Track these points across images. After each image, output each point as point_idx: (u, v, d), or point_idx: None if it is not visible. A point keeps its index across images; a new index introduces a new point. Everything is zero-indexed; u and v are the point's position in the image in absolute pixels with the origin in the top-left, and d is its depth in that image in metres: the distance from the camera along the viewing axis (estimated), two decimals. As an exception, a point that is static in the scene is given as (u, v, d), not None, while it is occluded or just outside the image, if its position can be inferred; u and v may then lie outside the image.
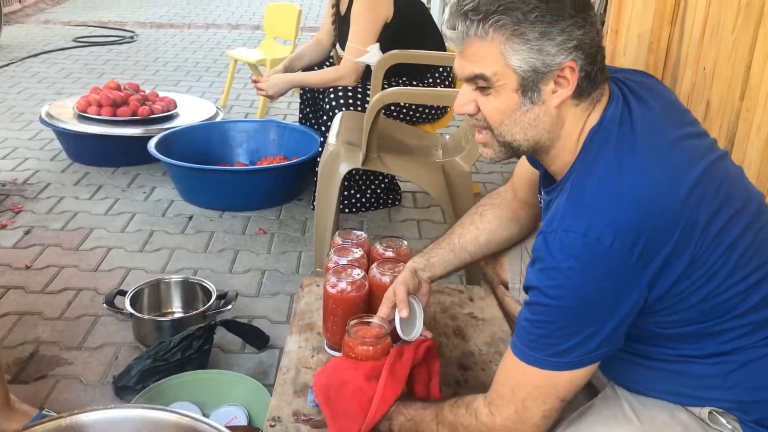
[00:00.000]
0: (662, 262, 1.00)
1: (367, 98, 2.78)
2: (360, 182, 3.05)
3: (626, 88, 1.12)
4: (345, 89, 2.81)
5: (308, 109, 3.35)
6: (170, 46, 6.26)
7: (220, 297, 2.21)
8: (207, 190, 3.12)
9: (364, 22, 2.78)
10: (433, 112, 2.95)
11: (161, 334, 2.06)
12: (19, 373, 2.00)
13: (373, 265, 1.71)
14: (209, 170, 3.09)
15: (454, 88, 2.89)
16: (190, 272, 2.53)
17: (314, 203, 2.72)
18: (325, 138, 2.66)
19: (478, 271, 2.40)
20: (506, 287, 1.69)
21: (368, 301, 1.58)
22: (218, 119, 3.73)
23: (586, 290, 1.01)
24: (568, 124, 1.08)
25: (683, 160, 1.05)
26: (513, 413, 1.11)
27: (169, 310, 2.31)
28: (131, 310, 2.11)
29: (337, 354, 1.64)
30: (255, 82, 3.12)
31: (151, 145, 3.18)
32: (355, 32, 2.79)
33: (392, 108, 2.85)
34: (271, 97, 3.07)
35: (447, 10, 1.07)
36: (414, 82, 2.86)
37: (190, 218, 3.02)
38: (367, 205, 3.10)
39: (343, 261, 1.72)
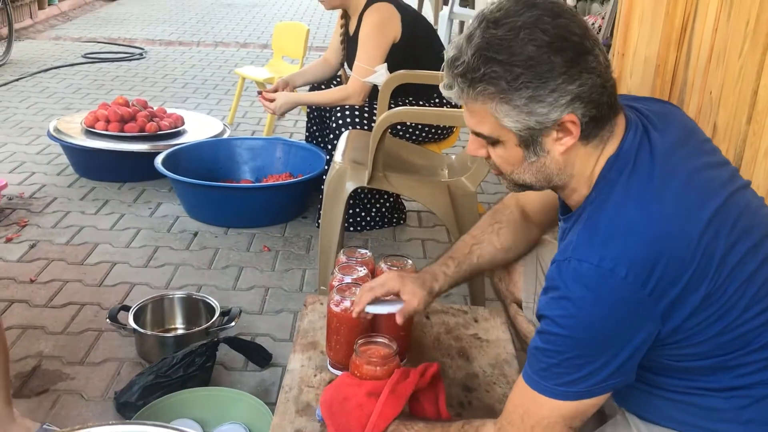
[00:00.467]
0: (677, 296, 1.00)
1: (374, 117, 2.79)
2: (365, 201, 3.05)
3: (645, 118, 1.12)
4: (352, 108, 2.82)
5: (315, 128, 3.36)
6: (179, 64, 6.31)
7: (223, 314, 2.21)
8: (212, 206, 3.13)
9: (373, 43, 2.80)
10: (439, 132, 2.96)
11: (164, 350, 2.05)
12: (22, 387, 1.99)
13: (378, 284, 1.70)
14: (215, 187, 3.10)
15: (460, 108, 2.90)
16: (194, 288, 2.53)
17: (319, 221, 2.73)
18: (331, 156, 2.66)
19: (482, 291, 2.40)
20: (519, 306, 1.68)
21: (372, 320, 1.57)
22: (225, 136, 3.75)
23: (598, 321, 1.00)
24: (579, 163, 1.08)
25: (701, 191, 1.05)
26: None
27: (173, 326, 2.30)
28: (134, 326, 2.11)
29: (339, 373, 1.63)
30: (261, 93, 3.14)
31: (158, 161, 3.20)
32: (363, 52, 2.81)
33: (398, 127, 2.86)
34: (278, 115, 3.09)
35: (444, 67, 1.08)
36: (420, 102, 2.87)
37: (195, 234, 3.03)
38: (372, 223, 3.10)
39: (348, 279, 1.72)
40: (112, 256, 2.81)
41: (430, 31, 3.04)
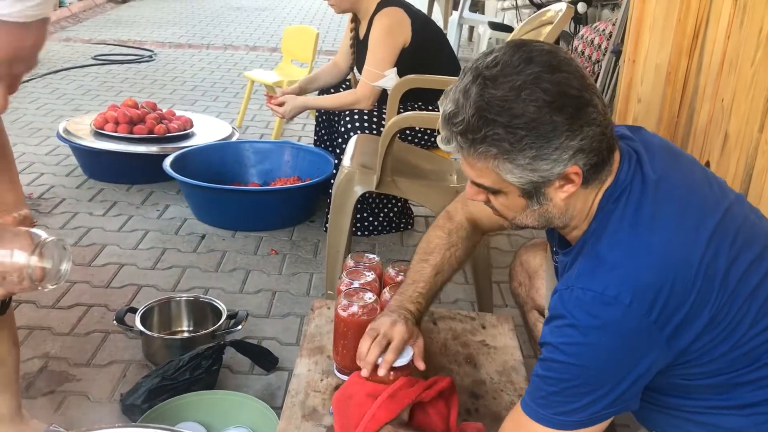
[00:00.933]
0: (681, 320, 0.99)
1: (383, 122, 2.79)
2: (373, 205, 3.05)
3: (635, 145, 1.12)
4: (361, 113, 2.82)
5: (323, 132, 3.36)
6: (188, 66, 6.32)
7: (230, 317, 2.21)
8: (220, 209, 3.13)
9: (383, 47, 2.79)
10: (448, 137, 2.95)
11: (170, 352, 2.05)
12: (28, 388, 1.99)
13: (385, 289, 1.70)
14: (223, 190, 3.10)
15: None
16: (201, 291, 2.53)
17: (327, 225, 2.72)
18: (340, 160, 2.66)
19: (489, 297, 2.39)
20: (541, 313, 1.67)
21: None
22: (233, 139, 3.76)
23: (602, 349, 0.99)
24: (580, 204, 1.08)
25: (698, 211, 1.05)
26: None
27: (179, 329, 2.30)
28: (141, 328, 2.11)
29: (345, 378, 1.63)
30: (269, 97, 3.15)
31: (166, 163, 3.20)
32: (372, 56, 2.81)
33: (407, 132, 2.85)
34: (287, 118, 3.09)
35: (440, 121, 1.06)
36: (430, 107, 2.86)
37: (203, 237, 3.03)
38: (380, 228, 3.10)
39: (356, 284, 1.71)
40: (120, 257, 2.81)
41: (439, 36, 3.04)
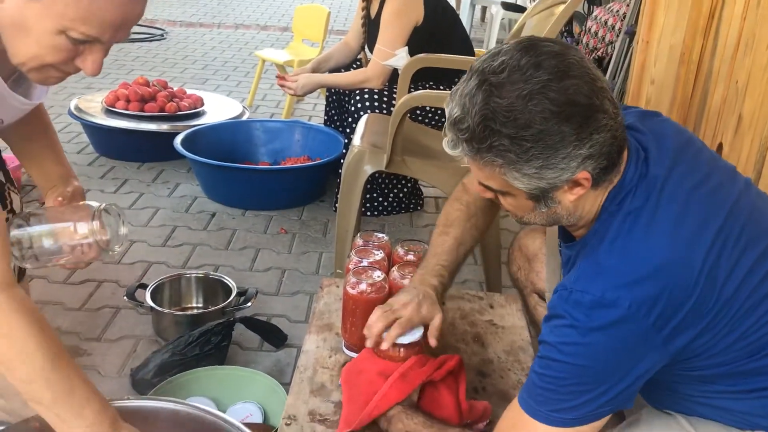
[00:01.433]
0: (680, 322, 0.99)
1: (393, 101, 2.78)
2: (383, 185, 3.04)
3: (644, 140, 1.10)
4: (371, 92, 2.81)
5: (333, 111, 3.36)
6: (199, 45, 6.31)
7: (240, 294, 2.22)
8: (230, 188, 3.14)
9: (394, 26, 2.78)
10: (459, 117, 2.94)
11: (180, 328, 2.06)
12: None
13: (394, 268, 1.70)
14: (233, 168, 3.10)
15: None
16: (210, 268, 2.54)
17: (336, 205, 2.72)
18: (350, 140, 2.66)
19: (498, 277, 2.39)
20: (541, 296, 1.67)
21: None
22: (244, 118, 3.75)
23: (600, 350, 1.00)
24: (590, 204, 1.07)
25: (702, 211, 1.03)
26: None
27: (189, 305, 2.32)
28: (151, 304, 2.13)
29: (354, 355, 1.64)
30: (280, 78, 3.14)
31: (177, 141, 3.21)
32: (384, 35, 2.80)
33: (418, 111, 2.84)
34: (298, 96, 3.09)
35: (446, 124, 1.05)
36: (441, 87, 2.85)
37: (213, 215, 3.04)
38: (389, 208, 3.10)
39: (364, 262, 1.72)
40: (131, 234, 2.83)
41: (452, 15, 3.01)
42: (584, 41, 3.63)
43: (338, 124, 3.34)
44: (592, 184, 1.02)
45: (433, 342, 1.41)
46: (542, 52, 0.97)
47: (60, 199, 1.39)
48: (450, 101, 1.03)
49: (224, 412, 1.76)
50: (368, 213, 3.05)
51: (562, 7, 2.43)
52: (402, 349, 1.41)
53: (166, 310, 2.16)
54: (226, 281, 2.28)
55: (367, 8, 3.04)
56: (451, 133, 1.03)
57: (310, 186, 3.22)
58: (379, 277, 1.65)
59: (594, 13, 3.77)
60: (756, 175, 1.75)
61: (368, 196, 3.02)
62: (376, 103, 2.79)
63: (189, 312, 2.25)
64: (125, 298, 2.19)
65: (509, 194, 1.06)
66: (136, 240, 2.78)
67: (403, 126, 2.20)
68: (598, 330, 0.98)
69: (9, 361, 1.00)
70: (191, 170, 3.37)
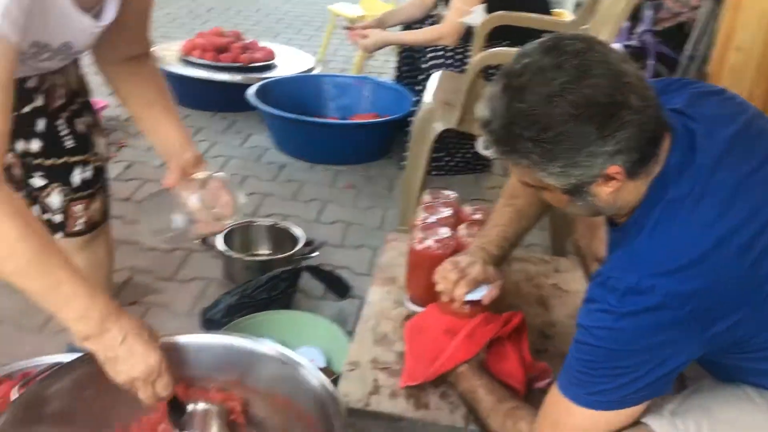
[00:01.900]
0: (719, 312, 0.97)
1: (467, 59, 2.74)
2: (450, 145, 3.03)
3: (693, 126, 1.06)
4: (444, 49, 2.78)
5: (405, 68, 3.34)
6: (272, -2, 6.34)
7: (306, 243, 2.27)
8: (300, 140, 3.18)
9: None
10: (533, 78, 2.88)
11: (249, 273, 2.12)
12: (115, 297, 2.11)
13: (462, 226, 1.71)
14: (304, 121, 3.14)
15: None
16: (279, 218, 2.59)
17: (403, 162, 2.73)
18: (420, 98, 2.65)
19: (563, 243, 2.36)
20: (602, 264, 1.65)
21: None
22: (314, 72, 3.77)
23: (632, 336, 0.99)
24: (630, 195, 1.06)
25: (752, 201, 1.00)
26: None
27: (258, 252, 2.38)
28: (223, 248, 2.19)
29: (417, 309, 1.66)
30: (351, 30, 3.13)
31: (250, 92, 3.26)
32: None
33: (491, 71, 2.80)
34: (369, 52, 3.08)
35: (479, 126, 1.07)
36: (518, 46, 2.79)
37: (283, 167, 3.09)
38: (456, 168, 3.09)
39: (432, 219, 1.73)
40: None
41: (532, -27, 2.93)
42: (667, 5, 3.50)
43: (410, 80, 3.32)
44: (627, 176, 1.01)
45: (487, 301, 1.42)
46: (564, 52, 0.98)
47: (181, 169, 1.41)
48: (480, 103, 1.05)
49: (289, 355, 1.82)
50: (434, 172, 3.04)
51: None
52: (468, 307, 1.43)
53: (237, 255, 2.23)
54: (293, 230, 2.33)
55: None
56: (484, 134, 1.05)
57: (378, 142, 3.23)
58: (445, 233, 1.65)
59: (680, -24, 3.61)
60: None
61: (435, 155, 3.01)
62: (449, 61, 2.77)
63: (258, 258, 2.31)
64: (197, 241, 2.26)
65: (546, 189, 1.08)
66: (208, 187, 2.86)
67: (476, 84, 2.18)
68: (631, 315, 0.98)
69: None
70: (263, 122, 3.42)
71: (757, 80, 2.23)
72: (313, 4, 6.16)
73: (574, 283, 1.79)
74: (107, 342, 1.06)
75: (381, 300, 1.72)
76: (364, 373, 1.45)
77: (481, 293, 1.41)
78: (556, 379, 1.11)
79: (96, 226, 1.62)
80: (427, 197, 1.86)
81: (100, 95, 3.61)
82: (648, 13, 3.46)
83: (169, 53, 3.72)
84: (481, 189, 3.01)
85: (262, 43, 3.95)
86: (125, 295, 2.15)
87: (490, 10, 2.70)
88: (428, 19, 3.17)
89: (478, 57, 2.20)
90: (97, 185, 1.58)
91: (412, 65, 3.28)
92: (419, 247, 1.64)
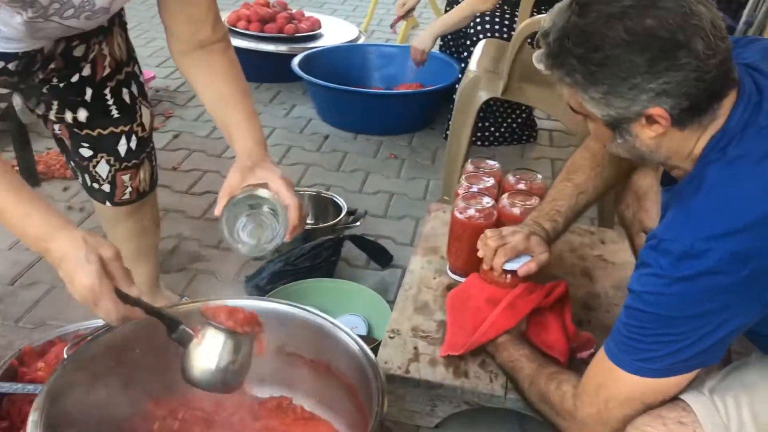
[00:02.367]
0: None
1: (514, 26, 2.68)
2: (496, 114, 2.99)
3: (763, 79, 1.01)
4: (492, 15, 2.73)
5: (450, 36, 3.28)
6: (318, -32, 6.30)
7: (349, 213, 2.28)
8: (343, 110, 3.18)
9: None
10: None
11: (293, 241, 2.11)
12: (163, 263, 2.16)
13: (504, 195, 1.69)
14: (347, 91, 3.13)
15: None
16: (322, 188, 2.60)
17: (447, 133, 2.71)
18: (465, 68, 2.61)
19: (612, 213, 2.32)
20: None
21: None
22: (359, 42, 3.75)
23: (685, 302, 0.96)
24: (675, 146, 1.02)
25: None
26: (595, 413, 1.09)
27: (301, 221, 2.40)
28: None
29: (458, 278, 1.66)
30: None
31: (295, 62, 3.26)
32: None
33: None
34: (422, 61, 3.09)
35: (538, 35, 1.06)
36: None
37: (326, 137, 3.10)
38: (501, 139, 3.04)
39: (474, 188, 1.72)
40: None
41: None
42: (725, -31, 3.36)
43: (454, 49, 3.28)
44: (673, 124, 0.98)
45: (522, 272, 1.41)
46: None
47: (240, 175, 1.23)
48: (547, 14, 1.04)
49: (331, 322, 1.84)
50: (479, 143, 3.01)
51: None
52: (509, 276, 1.42)
53: (280, 224, 2.25)
54: (337, 200, 2.34)
55: None
56: (541, 44, 1.04)
57: (421, 112, 3.21)
58: (488, 203, 1.65)
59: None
60: None
61: (480, 125, 2.98)
62: (496, 27, 2.71)
63: (301, 227, 2.33)
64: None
65: (589, 118, 1.06)
66: (253, 157, 2.88)
67: (522, 51, 2.14)
68: (685, 281, 0.95)
69: None
70: (306, 92, 3.43)
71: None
72: (358, -26, 6.10)
73: (620, 254, 1.76)
74: (52, 263, 1.04)
75: (422, 269, 1.72)
76: (405, 341, 1.46)
77: (521, 262, 1.40)
78: (603, 344, 1.09)
79: (143, 195, 1.65)
80: (470, 166, 1.85)
81: (147, 67, 3.68)
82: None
83: (215, 24, 3.74)
84: (527, 160, 2.96)
85: (307, 13, 3.94)
86: (173, 261, 2.19)
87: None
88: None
89: (524, 23, 2.16)
90: (142, 155, 1.60)
91: (458, 33, 3.23)
92: (461, 216, 1.63)
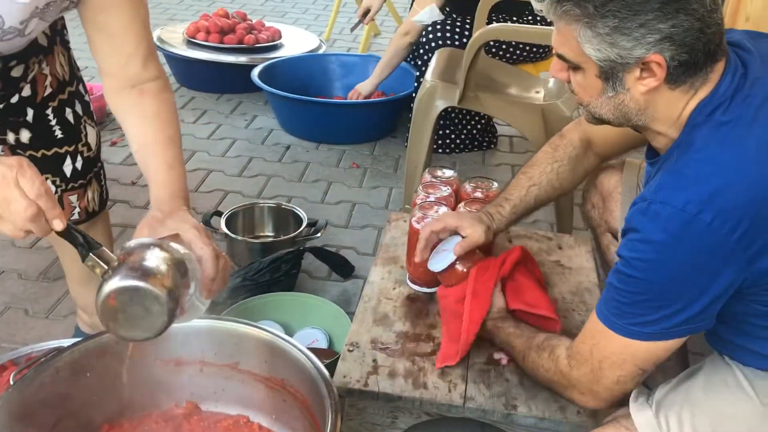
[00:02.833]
0: (765, 244, 0.94)
1: (467, 35, 2.71)
2: (456, 121, 3.01)
3: (748, 59, 1.03)
4: (443, 24, 2.75)
5: (409, 46, 3.30)
6: (279, -23, 6.28)
7: (310, 225, 2.27)
8: (305, 121, 3.17)
9: None
10: (537, 51, 2.84)
11: (252, 255, 2.13)
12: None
13: (461, 204, 1.70)
14: (308, 101, 3.13)
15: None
16: (284, 199, 2.60)
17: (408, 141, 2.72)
18: (422, 75, 2.62)
19: (570, 218, 2.35)
20: (614, 236, 1.64)
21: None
22: (320, 52, 3.75)
23: (677, 267, 0.97)
24: (664, 107, 1.03)
25: None
26: (589, 372, 1.11)
27: (262, 234, 2.39)
28: (226, 231, 2.20)
29: (417, 287, 1.66)
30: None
31: (255, 73, 3.24)
32: None
33: (493, 45, 2.77)
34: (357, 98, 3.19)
35: None
36: (519, 21, 2.75)
37: (288, 148, 3.09)
38: (462, 146, 3.06)
39: (431, 198, 1.72)
40: (209, 164, 2.91)
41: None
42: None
43: (411, 59, 3.29)
44: (667, 79, 0.98)
45: (457, 250, 1.43)
46: None
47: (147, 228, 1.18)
48: None
49: (291, 336, 1.83)
50: (440, 150, 3.02)
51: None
52: (458, 264, 1.44)
53: (240, 237, 2.23)
54: (297, 212, 2.33)
55: None
56: None
57: (383, 121, 3.21)
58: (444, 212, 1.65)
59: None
60: None
61: (440, 132, 3.00)
62: (448, 34, 2.73)
63: (261, 240, 2.32)
64: (201, 224, 2.26)
65: (580, 69, 1.04)
66: (214, 169, 2.87)
67: (477, 60, 2.16)
68: (675, 246, 0.95)
69: None
70: (268, 103, 3.41)
71: (766, 49, 2.18)
72: (320, -17, 6.10)
73: (577, 259, 1.78)
74: None
75: (382, 279, 1.71)
76: (364, 353, 1.45)
77: (454, 242, 1.42)
78: (595, 306, 1.10)
79: (93, 215, 1.62)
80: (427, 176, 1.85)
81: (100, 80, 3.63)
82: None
83: (174, 35, 3.71)
84: (487, 166, 2.98)
85: (268, 24, 3.93)
86: (131, 278, 2.16)
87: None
88: None
89: (478, 33, 2.17)
90: (89, 175, 1.57)
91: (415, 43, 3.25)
92: (418, 226, 1.63)
